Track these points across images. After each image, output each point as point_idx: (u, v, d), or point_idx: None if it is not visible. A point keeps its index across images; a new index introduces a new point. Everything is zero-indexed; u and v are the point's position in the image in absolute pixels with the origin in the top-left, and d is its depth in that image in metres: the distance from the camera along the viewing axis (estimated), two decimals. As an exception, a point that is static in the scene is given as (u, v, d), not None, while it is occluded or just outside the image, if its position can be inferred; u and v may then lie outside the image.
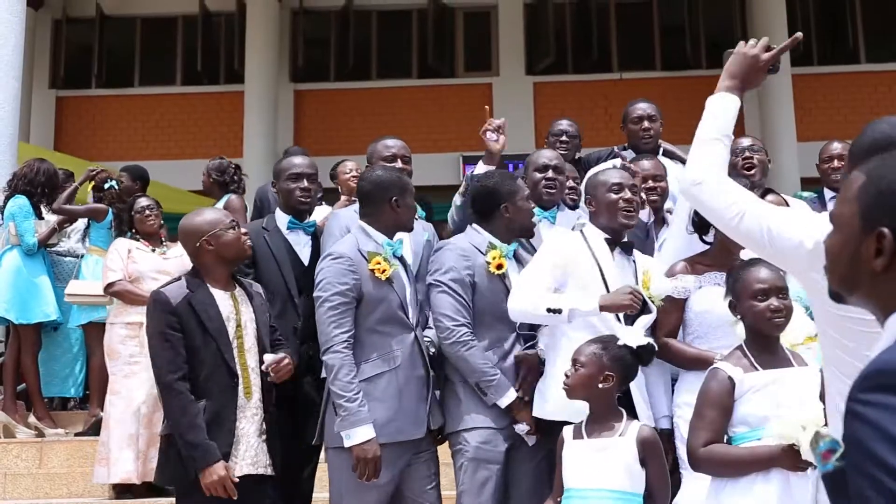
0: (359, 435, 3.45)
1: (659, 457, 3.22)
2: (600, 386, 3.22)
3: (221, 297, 3.60)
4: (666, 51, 14.69)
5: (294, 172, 4.22)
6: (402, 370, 3.59)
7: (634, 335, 3.37)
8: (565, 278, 3.65)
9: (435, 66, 14.65)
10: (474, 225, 3.91)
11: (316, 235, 4.26)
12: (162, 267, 5.66)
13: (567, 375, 3.28)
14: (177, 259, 5.54)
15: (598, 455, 3.16)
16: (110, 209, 6.69)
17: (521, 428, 3.67)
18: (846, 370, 1.93)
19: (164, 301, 3.51)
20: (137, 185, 7.01)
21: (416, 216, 4.02)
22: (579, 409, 3.34)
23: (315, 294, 3.63)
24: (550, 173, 4.35)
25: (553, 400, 3.56)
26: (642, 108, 5.29)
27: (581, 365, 3.22)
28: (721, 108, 2.41)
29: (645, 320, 3.56)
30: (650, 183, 4.49)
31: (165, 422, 3.56)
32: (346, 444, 3.47)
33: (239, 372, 3.54)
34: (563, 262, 3.67)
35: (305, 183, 4.23)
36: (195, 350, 3.49)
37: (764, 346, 3.09)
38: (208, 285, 3.59)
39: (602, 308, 3.49)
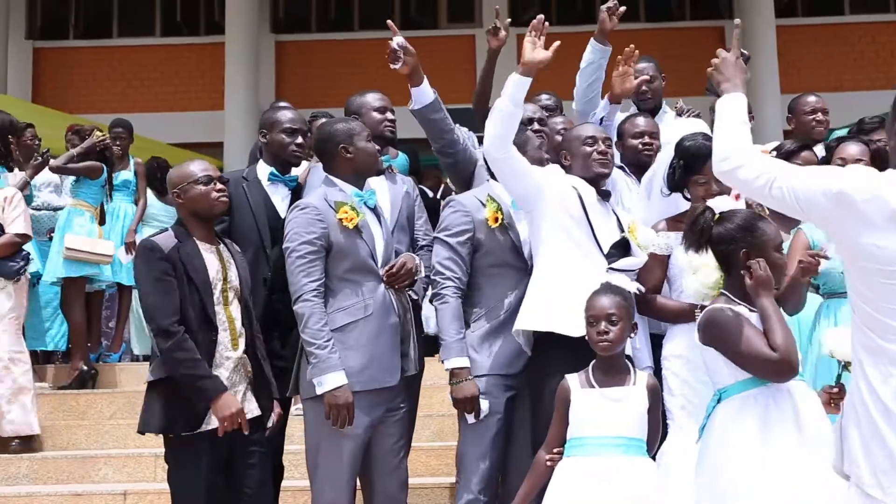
0: (329, 381, 3.48)
1: (659, 403, 3.31)
2: (631, 336, 3.28)
3: (206, 251, 3.61)
4: (650, 2, 14.58)
5: (291, 127, 4.23)
6: (375, 318, 3.61)
7: (632, 283, 3.49)
8: (539, 192, 3.66)
9: (417, 17, 14.50)
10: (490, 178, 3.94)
11: (297, 190, 4.24)
12: None
13: (604, 332, 3.22)
14: None
15: (616, 405, 3.20)
16: (104, 167, 6.80)
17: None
18: (866, 321, 2.08)
19: (155, 247, 3.52)
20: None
21: (390, 167, 3.99)
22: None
23: (284, 245, 3.65)
24: (536, 126, 4.31)
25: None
26: (640, 68, 5.10)
27: (618, 318, 3.21)
28: (735, 102, 2.67)
29: (631, 262, 3.61)
30: (646, 139, 4.48)
31: (152, 368, 3.56)
32: (318, 391, 3.50)
33: (226, 324, 3.56)
34: (547, 177, 3.73)
35: (300, 139, 4.25)
36: (180, 300, 3.50)
37: (745, 290, 3.08)
38: (194, 238, 3.60)
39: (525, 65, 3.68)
